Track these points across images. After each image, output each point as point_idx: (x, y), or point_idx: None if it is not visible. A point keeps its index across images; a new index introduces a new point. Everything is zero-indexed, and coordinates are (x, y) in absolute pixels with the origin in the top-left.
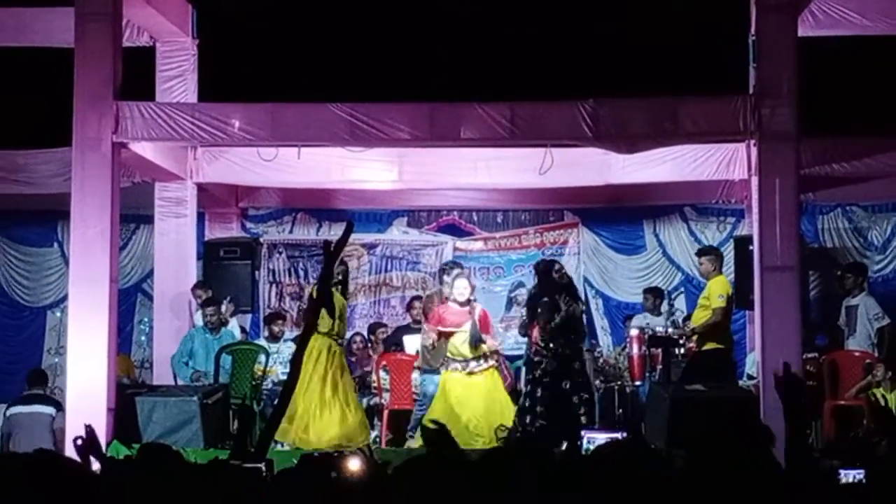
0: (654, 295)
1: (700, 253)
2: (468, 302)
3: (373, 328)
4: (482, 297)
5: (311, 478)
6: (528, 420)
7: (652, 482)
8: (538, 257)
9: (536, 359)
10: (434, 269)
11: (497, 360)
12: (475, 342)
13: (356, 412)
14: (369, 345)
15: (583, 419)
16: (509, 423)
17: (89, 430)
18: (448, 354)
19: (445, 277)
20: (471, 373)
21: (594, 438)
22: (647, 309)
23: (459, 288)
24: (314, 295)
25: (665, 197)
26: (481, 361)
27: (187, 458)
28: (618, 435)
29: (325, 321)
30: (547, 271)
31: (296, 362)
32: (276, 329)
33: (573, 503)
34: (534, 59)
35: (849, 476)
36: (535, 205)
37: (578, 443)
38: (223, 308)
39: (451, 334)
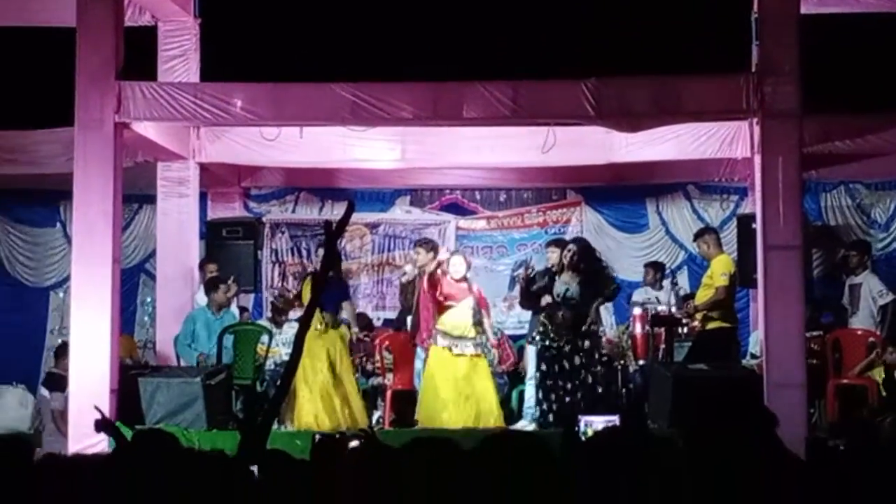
0: (655, 269)
1: (696, 237)
2: (465, 279)
3: (362, 326)
4: (485, 276)
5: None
6: (553, 397)
7: (652, 467)
8: (541, 236)
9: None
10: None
11: (489, 346)
12: (477, 317)
13: (356, 398)
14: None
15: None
16: (490, 416)
17: (99, 411)
18: (438, 326)
19: (430, 254)
20: (458, 354)
21: (592, 422)
22: (647, 283)
23: (455, 265)
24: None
25: (668, 175)
26: (469, 344)
27: (190, 439)
28: (615, 419)
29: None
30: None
31: (298, 343)
32: (279, 318)
33: (572, 489)
34: (536, 38)
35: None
36: (537, 183)
37: (576, 428)
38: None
39: (445, 308)
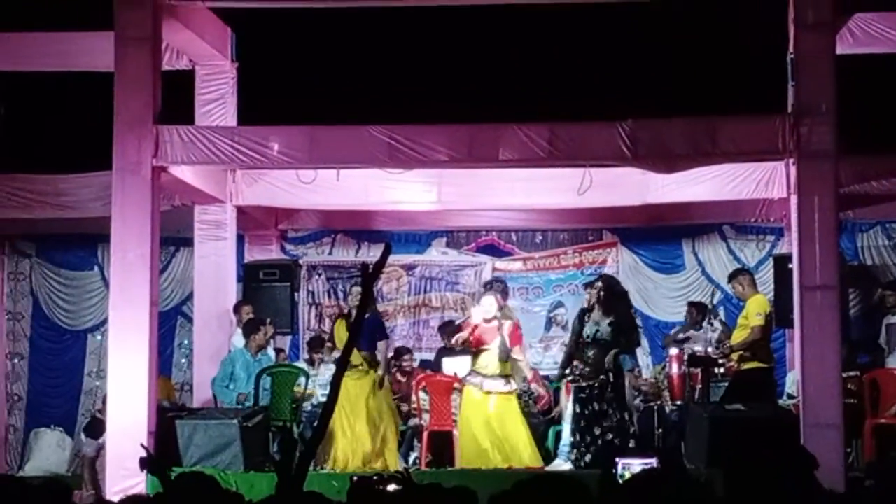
0: (698, 309)
1: (730, 278)
2: (494, 318)
3: (398, 353)
4: (521, 317)
5: None
6: (588, 438)
7: None
8: (577, 277)
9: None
10: (473, 289)
11: (525, 381)
12: (503, 356)
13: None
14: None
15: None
16: (522, 454)
17: (146, 449)
18: (474, 369)
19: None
20: (487, 392)
21: (629, 465)
22: (689, 322)
23: (485, 305)
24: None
25: (704, 216)
26: (500, 382)
27: (227, 481)
28: (653, 461)
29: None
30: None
31: (335, 385)
32: (315, 357)
33: None
34: (572, 80)
35: None
36: (573, 224)
37: (613, 470)
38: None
39: (479, 352)
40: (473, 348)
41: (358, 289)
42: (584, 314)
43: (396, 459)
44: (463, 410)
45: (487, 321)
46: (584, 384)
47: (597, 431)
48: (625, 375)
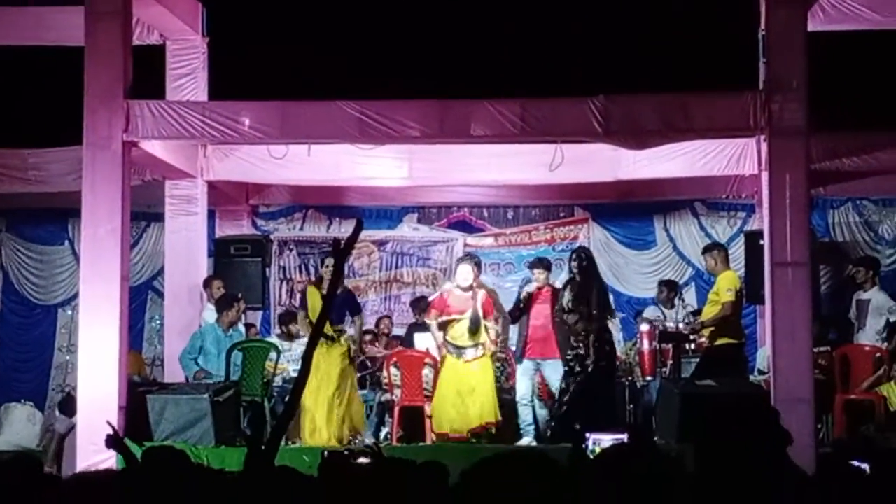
0: (669, 288)
1: (703, 251)
2: (471, 288)
3: (378, 321)
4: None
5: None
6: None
7: (661, 484)
8: (549, 253)
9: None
10: (444, 265)
11: (496, 350)
12: (473, 327)
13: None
14: (375, 337)
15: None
16: (489, 419)
17: (112, 427)
18: (448, 339)
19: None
20: (466, 361)
21: (600, 440)
22: (660, 301)
23: (462, 273)
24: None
25: (675, 192)
26: (477, 349)
27: (198, 455)
28: (623, 437)
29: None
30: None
31: (306, 360)
32: (293, 329)
33: None
34: (544, 57)
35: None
36: (545, 201)
37: (583, 445)
38: None
39: (452, 322)
40: (449, 319)
41: (331, 260)
42: (563, 289)
43: (365, 430)
44: (441, 376)
45: (463, 290)
46: (572, 360)
47: (566, 407)
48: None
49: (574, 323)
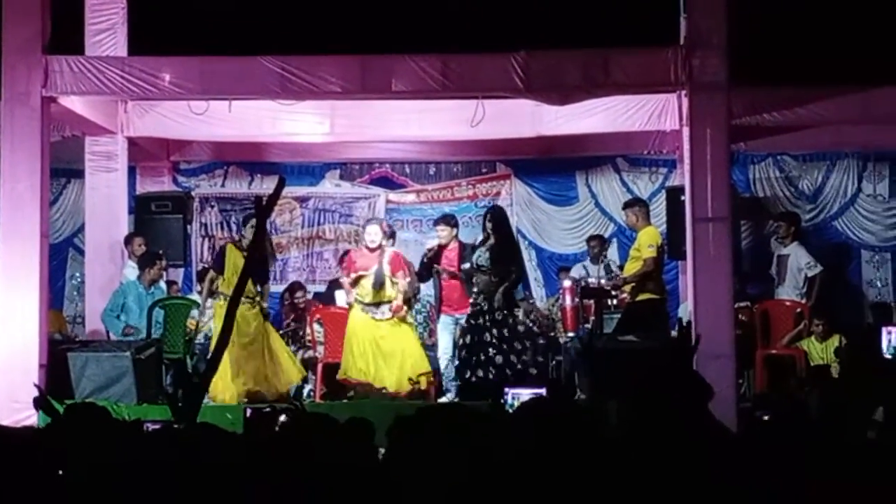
0: (600, 242)
1: (624, 206)
2: (379, 248)
3: (292, 289)
4: (415, 249)
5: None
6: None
7: (580, 436)
8: (471, 209)
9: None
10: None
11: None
12: (377, 285)
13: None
14: (285, 305)
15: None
16: (419, 370)
17: (39, 389)
18: (356, 296)
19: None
20: (375, 319)
21: (518, 395)
22: (592, 256)
23: (370, 234)
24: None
25: (597, 148)
26: (384, 309)
27: (120, 413)
28: (542, 391)
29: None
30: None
31: (228, 318)
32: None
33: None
34: (465, 11)
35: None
36: (467, 157)
37: (502, 399)
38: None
39: (359, 279)
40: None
41: (252, 222)
42: (475, 246)
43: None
44: (348, 329)
45: (370, 250)
46: (473, 317)
47: (482, 363)
48: (516, 312)
49: (483, 283)
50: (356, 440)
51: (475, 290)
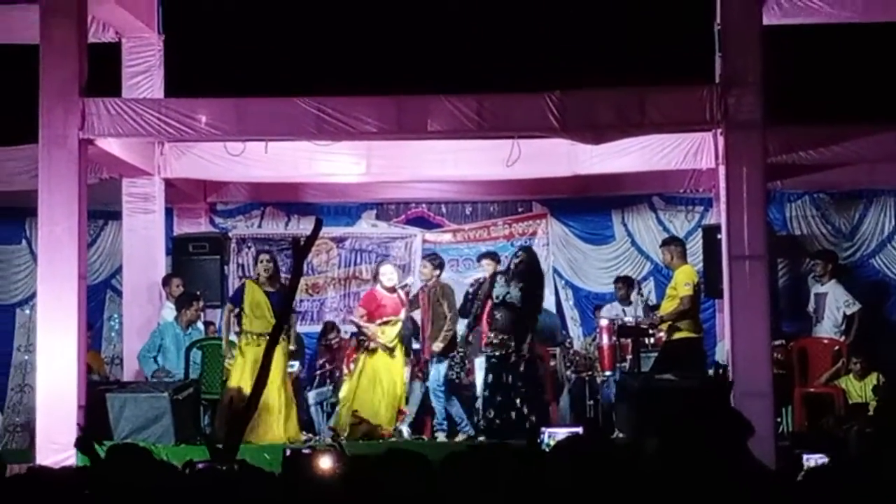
0: (627, 284)
1: (661, 245)
2: (393, 289)
3: (325, 329)
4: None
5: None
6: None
7: (617, 474)
8: (508, 249)
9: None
10: (404, 261)
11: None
12: (407, 340)
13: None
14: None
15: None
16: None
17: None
18: (380, 339)
19: (437, 270)
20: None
21: (555, 434)
22: (619, 298)
23: (386, 274)
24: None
25: (633, 187)
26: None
27: (158, 454)
28: (578, 430)
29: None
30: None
31: (266, 358)
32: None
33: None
34: (501, 52)
35: (810, 461)
36: (503, 196)
37: (538, 440)
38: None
39: (388, 322)
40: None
41: (266, 257)
42: (496, 276)
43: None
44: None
45: (387, 290)
46: (495, 353)
47: (506, 402)
48: (538, 353)
49: (505, 320)
50: (412, 475)
51: (495, 324)
